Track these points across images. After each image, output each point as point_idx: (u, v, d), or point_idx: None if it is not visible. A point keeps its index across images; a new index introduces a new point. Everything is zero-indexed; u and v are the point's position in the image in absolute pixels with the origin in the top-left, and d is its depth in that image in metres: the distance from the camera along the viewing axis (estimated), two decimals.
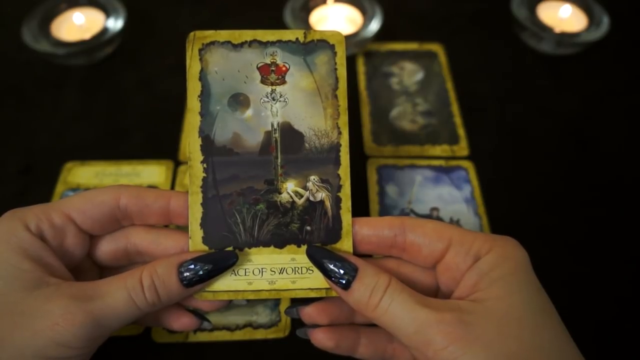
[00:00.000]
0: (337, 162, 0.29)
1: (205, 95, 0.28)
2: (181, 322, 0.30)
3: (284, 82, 0.29)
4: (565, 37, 0.51)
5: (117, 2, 0.52)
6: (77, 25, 0.51)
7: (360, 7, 0.53)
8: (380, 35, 0.51)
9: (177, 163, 0.43)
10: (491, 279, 0.25)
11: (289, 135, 0.29)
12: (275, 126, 0.29)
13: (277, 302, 0.36)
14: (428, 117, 0.47)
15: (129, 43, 0.53)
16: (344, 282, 0.26)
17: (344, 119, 0.29)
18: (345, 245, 0.28)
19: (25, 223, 0.26)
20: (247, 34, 0.29)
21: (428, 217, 0.40)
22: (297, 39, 0.29)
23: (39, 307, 0.24)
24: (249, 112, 0.29)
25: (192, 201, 0.28)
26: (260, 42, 0.29)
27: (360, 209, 0.41)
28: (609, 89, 0.50)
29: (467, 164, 0.44)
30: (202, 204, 0.28)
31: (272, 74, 0.29)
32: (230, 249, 0.28)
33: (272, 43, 0.29)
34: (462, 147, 0.45)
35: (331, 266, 0.26)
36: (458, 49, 0.53)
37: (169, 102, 0.48)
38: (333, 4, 0.54)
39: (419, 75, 0.51)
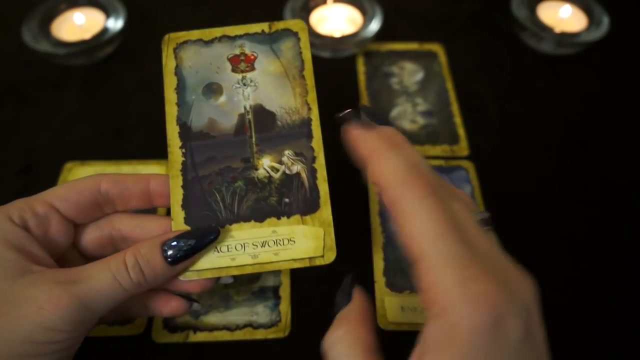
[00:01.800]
0: (309, 136, 0.30)
1: (181, 88, 0.31)
2: (170, 306, 0.30)
3: (253, 68, 0.31)
4: (565, 37, 0.51)
5: (117, 2, 0.52)
6: (77, 25, 0.51)
7: (360, 7, 0.53)
8: (380, 35, 0.51)
9: None
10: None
11: (262, 115, 0.30)
12: (248, 108, 0.31)
13: (277, 302, 0.36)
14: (428, 117, 0.47)
15: (129, 43, 0.53)
16: None
17: (312, 96, 0.31)
18: (324, 213, 0.29)
19: (8, 215, 0.27)
20: (217, 31, 0.32)
21: None
22: (262, 30, 0.32)
23: (23, 293, 0.25)
24: (222, 99, 0.31)
25: (172, 185, 0.29)
26: (229, 37, 0.32)
27: (361, 208, 0.41)
28: (609, 89, 0.50)
29: (467, 164, 0.44)
30: (182, 186, 0.29)
31: (241, 63, 0.31)
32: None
33: (240, 36, 0.32)
34: (462, 147, 0.45)
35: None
36: (458, 49, 0.53)
37: None
38: (333, 4, 0.54)
39: (419, 75, 0.51)
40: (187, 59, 0.31)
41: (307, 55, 0.31)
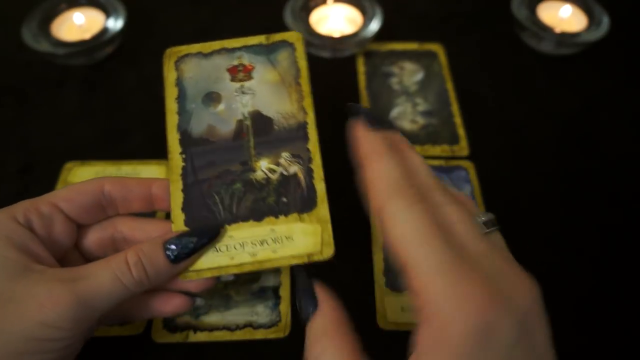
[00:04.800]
0: (305, 138, 0.31)
1: (181, 98, 0.32)
2: (173, 304, 0.30)
3: (250, 78, 0.32)
4: (565, 37, 0.51)
5: (117, 2, 0.52)
6: (77, 25, 0.51)
7: (360, 7, 0.53)
8: (380, 35, 0.51)
9: None
10: None
11: (259, 120, 0.31)
12: (246, 115, 0.32)
13: (277, 302, 0.36)
14: (428, 117, 0.47)
15: (129, 43, 0.53)
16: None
17: (308, 101, 0.32)
18: (321, 210, 0.29)
19: (13, 215, 0.27)
20: (216, 44, 0.33)
21: None
22: (260, 42, 0.33)
23: (25, 292, 0.25)
24: (221, 107, 0.32)
25: (173, 189, 0.30)
26: (227, 49, 0.33)
27: (361, 209, 0.41)
28: (609, 89, 0.50)
29: (467, 164, 0.44)
30: (182, 190, 0.30)
31: (239, 73, 0.33)
32: None
33: (239, 49, 0.33)
34: (462, 147, 0.45)
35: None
36: (458, 49, 0.53)
37: None
38: (333, 4, 0.54)
39: (419, 75, 0.51)
40: (187, 70, 0.33)
41: (302, 63, 0.33)
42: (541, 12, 0.53)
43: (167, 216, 0.32)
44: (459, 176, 0.43)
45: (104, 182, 0.30)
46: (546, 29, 0.51)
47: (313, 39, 0.49)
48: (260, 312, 0.36)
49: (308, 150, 0.31)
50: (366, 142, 0.25)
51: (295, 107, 0.32)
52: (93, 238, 0.31)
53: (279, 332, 0.35)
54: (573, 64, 0.52)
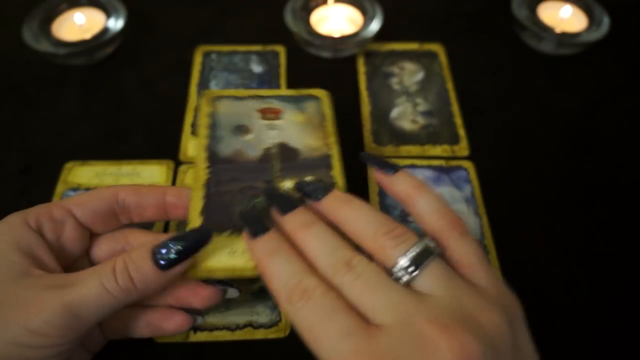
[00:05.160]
0: (329, 167, 0.33)
1: (213, 126, 0.34)
2: (174, 321, 0.30)
3: (279, 118, 0.35)
4: (565, 37, 0.51)
5: (118, 2, 0.52)
6: (78, 25, 0.51)
7: (360, 7, 0.53)
8: (380, 35, 0.51)
9: (178, 163, 0.43)
10: None
11: (286, 150, 0.33)
12: (273, 144, 0.34)
13: None
14: (428, 117, 0.47)
15: (129, 43, 0.53)
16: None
17: (332, 139, 0.34)
18: None
19: (25, 218, 0.27)
20: (249, 92, 0.37)
21: None
22: (290, 95, 0.37)
23: (16, 295, 0.25)
24: (249, 136, 0.34)
25: (194, 196, 0.30)
26: (259, 96, 0.36)
27: None
28: (609, 89, 0.50)
29: (467, 164, 0.44)
30: (203, 197, 0.31)
31: (269, 114, 0.35)
32: (227, 232, 0.29)
33: (270, 96, 0.36)
34: (462, 147, 0.45)
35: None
36: (458, 49, 0.53)
37: (169, 102, 0.48)
38: (333, 4, 0.54)
39: (419, 75, 0.51)
40: (221, 106, 0.36)
41: (328, 111, 0.36)
42: (541, 12, 0.53)
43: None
44: (459, 176, 0.43)
45: (118, 189, 0.30)
46: (546, 29, 0.51)
47: (313, 39, 0.49)
48: (260, 312, 0.36)
49: (332, 176, 0.32)
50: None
51: (321, 143, 0.34)
52: (104, 248, 0.30)
53: (279, 332, 0.35)
54: (573, 64, 0.52)
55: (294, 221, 0.26)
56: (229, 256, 0.28)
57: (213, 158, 0.32)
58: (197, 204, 0.30)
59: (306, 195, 0.28)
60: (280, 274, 0.24)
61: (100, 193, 0.30)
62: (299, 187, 0.29)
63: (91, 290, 0.25)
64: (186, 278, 0.29)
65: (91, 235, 0.30)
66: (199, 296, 0.30)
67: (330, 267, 0.24)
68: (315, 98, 0.37)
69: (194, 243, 0.27)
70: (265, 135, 0.34)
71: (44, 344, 0.24)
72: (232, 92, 0.36)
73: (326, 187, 0.28)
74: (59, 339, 0.25)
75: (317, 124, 0.35)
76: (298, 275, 0.24)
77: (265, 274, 0.25)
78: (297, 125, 0.35)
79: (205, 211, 0.30)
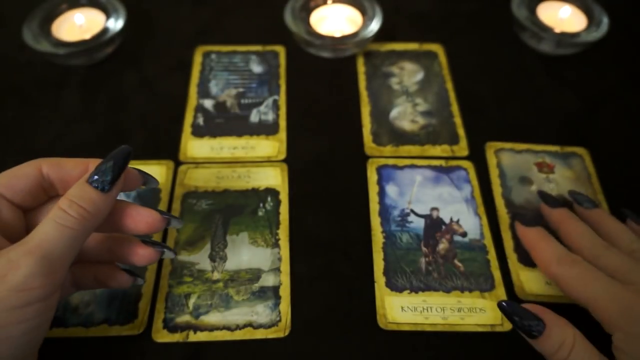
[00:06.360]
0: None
1: (502, 176, 0.42)
2: (116, 279, 0.32)
3: (553, 172, 0.42)
4: (565, 38, 0.51)
5: (117, 3, 0.52)
6: (78, 25, 0.51)
7: (360, 7, 0.53)
8: (380, 35, 0.51)
9: (178, 163, 0.43)
10: None
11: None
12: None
13: (277, 302, 0.36)
14: (428, 117, 0.47)
15: (129, 43, 0.53)
16: (533, 333, 0.30)
17: (601, 196, 0.42)
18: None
19: None
20: (523, 146, 0.44)
21: (428, 216, 0.40)
22: (556, 151, 0.44)
23: None
24: (533, 187, 0.42)
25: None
26: (533, 150, 0.44)
27: (360, 209, 0.41)
28: (609, 89, 0.50)
29: (467, 164, 0.44)
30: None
31: (544, 167, 0.43)
32: None
33: (541, 151, 0.44)
34: (462, 147, 0.45)
35: (522, 322, 0.30)
36: (458, 49, 0.53)
37: (169, 102, 0.48)
38: (333, 4, 0.54)
39: (419, 75, 0.51)
40: (504, 159, 0.43)
41: (592, 170, 0.43)
42: (541, 12, 0.53)
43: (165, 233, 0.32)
44: (459, 176, 0.43)
45: (41, 163, 0.30)
46: (546, 29, 0.51)
47: (313, 39, 0.49)
48: (260, 312, 0.36)
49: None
50: (527, 234, 0.37)
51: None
52: (41, 219, 0.31)
53: (279, 332, 0.35)
54: (573, 64, 0.52)
55: (562, 212, 0.37)
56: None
57: (509, 205, 0.41)
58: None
59: (575, 201, 0.38)
60: (553, 249, 0.34)
61: (23, 170, 0.30)
62: (571, 193, 0.39)
63: (50, 231, 0.27)
64: (128, 235, 0.32)
65: (25, 212, 0.31)
66: (138, 255, 0.31)
67: (593, 247, 0.33)
68: (577, 156, 0.44)
69: (120, 160, 0.29)
70: (545, 188, 0.41)
71: (30, 299, 0.25)
72: (510, 145, 0.44)
73: (593, 202, 0.38)
74: (42, 289, 0.26)
75: (584, 180, 0.42)
76: (566, 251, 0.34)
77: (537, 248, 0.35)
78: (568, 179, 0.42)
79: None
